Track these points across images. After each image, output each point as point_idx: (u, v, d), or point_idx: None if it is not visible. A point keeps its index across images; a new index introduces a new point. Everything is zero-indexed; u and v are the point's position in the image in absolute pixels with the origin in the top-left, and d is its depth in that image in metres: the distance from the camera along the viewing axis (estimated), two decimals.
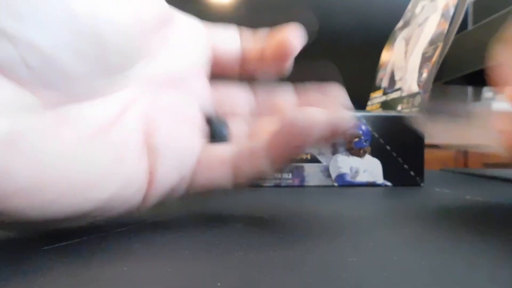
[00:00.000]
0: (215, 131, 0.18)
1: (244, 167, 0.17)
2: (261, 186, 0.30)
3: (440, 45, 0.35)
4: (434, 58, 0.35)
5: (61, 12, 0.12)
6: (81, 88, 0.13)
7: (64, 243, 0.14)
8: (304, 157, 0.31)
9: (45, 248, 0.13)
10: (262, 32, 0.19)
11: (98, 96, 0.14)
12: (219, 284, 0.10)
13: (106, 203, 0.14)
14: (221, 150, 0.18)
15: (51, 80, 0.12)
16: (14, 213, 0.12)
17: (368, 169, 0.32)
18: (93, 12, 0.12)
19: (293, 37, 0.18)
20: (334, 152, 0.31)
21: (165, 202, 0.17)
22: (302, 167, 0.31)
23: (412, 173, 0.32)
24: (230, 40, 0.19)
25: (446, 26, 0.35)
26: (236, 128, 0.19)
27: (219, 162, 0.17)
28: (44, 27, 0.11)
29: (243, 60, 0.19)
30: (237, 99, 0.20)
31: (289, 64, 0.18)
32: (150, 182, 0.16)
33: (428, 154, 0.33)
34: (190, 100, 0.18)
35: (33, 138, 0.12)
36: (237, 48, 0.19)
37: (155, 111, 0.16)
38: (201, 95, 0.18)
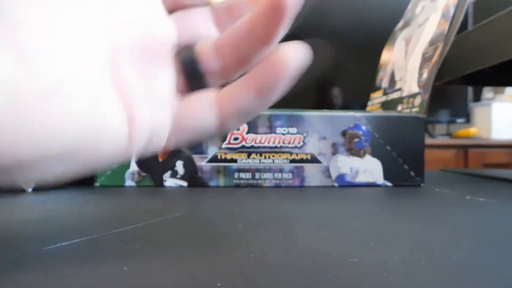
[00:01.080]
0: (187, 67, 0.18)
1: (227, 104, 0.16)
2: (261, 186, 0.31)
3: (440, 45, 0.35)
4: (434, 59, 0.35)
5: None
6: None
7: (64, 243, 0.14)
8: (305, 157, 0.31)
9: (45, 248, 0.13)
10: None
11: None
12: (219, 284, 0.10)
13: (86, 141, 0.14)
14: (202, 94, 0.17)
15: None
16: None
17: (368, 169, 0.32)
18: None
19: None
20: (334, 152, 0.31)
21: (153, 150, 0.17)
22: (302, 167, 0.31)
23: (412, 173, 0.32)
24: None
25: (446, 26, 0.35)
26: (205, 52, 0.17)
27: (203, 103, 0.17)
28: None
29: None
30: (200, 25, 0.18)
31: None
32: (130, 120, 0.15)
33: (428, 154, 0.33)
34: (158, 33, 0.17)
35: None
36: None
37: (122, 49, 0.16)
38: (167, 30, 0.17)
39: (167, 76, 0.17)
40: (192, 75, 0.18)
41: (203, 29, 0.18)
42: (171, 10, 0.18)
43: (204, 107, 0.17)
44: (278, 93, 0.16)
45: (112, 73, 0.16)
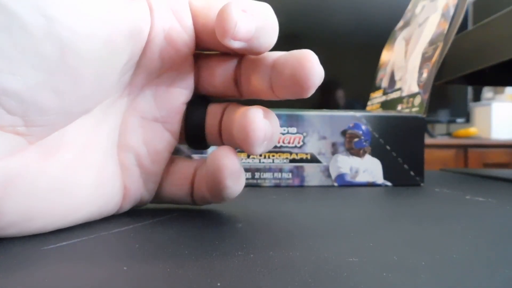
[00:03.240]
0: (191, 128, 0.18)
1: (201, 188, 0.18)
2: (261, 186, 0.30)
3: (440, 45, 0.35)
4: (434, 58, 0.35)
5: (33, 57, 0.12)
6: (60, 119, 0.13)
7: (64, 243, 0.14)
8: (304, 157, 0.31)
9: (45, 248, 0.13)
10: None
11: (75, 119, 0.14)
12: (219, 284, 0.10)
13: (86, 219, 0.16)
14: (185, 166, 0.19)
15: (32, 119, 0.12)
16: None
17: (368, 169, 0.32)
18: (64, 50, 0.12)
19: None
20: (334, 152, 0.31)
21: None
22: (302, 167, 0.31)
23: (412, 173, 0.32)
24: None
25: (446, 26, 0.35)
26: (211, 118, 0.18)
27: (181, 179, 0.19)
28: (18, 73, 0.12)
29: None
30: (219, 78, 0.18)
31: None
32: (124, 196, 0.18)
33: (428, 154, 0.33)
34: (172, 91, 0.17)
35: (22, 179, 0.13)
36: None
37: (129, 119, 0.17)
38: (185, 80, 0.18)
39: (167, 146, 0.18)
40: (192, 136, 0.19)
41: (221, 84, 0.18)
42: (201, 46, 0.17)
43: (181, 183, 0.19)
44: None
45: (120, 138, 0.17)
